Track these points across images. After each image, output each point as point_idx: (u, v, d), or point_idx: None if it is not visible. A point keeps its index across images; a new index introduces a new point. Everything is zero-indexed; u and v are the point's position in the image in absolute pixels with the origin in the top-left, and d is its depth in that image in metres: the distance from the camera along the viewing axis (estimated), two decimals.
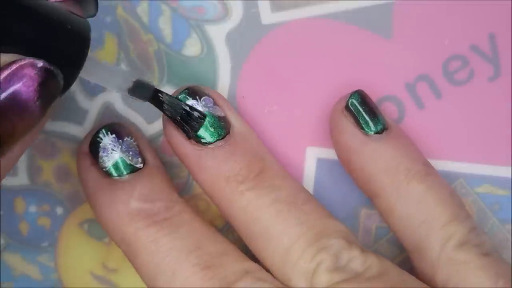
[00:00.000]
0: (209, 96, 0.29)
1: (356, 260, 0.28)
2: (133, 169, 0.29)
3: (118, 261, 0.32)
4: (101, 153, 0.29)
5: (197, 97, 0.29)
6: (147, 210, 0.28)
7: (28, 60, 0.23)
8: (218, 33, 0.31)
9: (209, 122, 0.29)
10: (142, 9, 0.30)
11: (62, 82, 0.24)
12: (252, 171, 0.29)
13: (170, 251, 0.28)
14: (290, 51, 0.31)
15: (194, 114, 0.28)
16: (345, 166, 0.30)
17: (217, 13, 0.31)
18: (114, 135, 0.29)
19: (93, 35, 0.30)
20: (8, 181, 0.31)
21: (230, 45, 0.31)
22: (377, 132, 0.29)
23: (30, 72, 0.23)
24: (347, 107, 0.29)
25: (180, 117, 0.28)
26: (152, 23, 0.30)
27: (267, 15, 0.31)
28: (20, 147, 0.24)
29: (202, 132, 0.29)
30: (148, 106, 0.30)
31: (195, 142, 0.29)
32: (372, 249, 0.32)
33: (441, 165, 0.31)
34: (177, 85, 0.31)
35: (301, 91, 0.31)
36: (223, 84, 0.31)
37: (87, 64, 0.25)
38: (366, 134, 0.29)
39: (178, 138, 0.29)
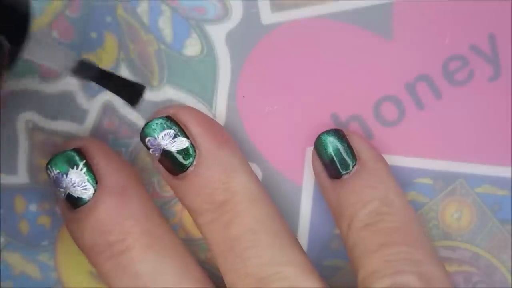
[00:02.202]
0: (171, 126, 0.29)
1: None
2: (82, 202, 0.29)
3: None
4: (52, 186, 0.29)
5: (155, 133, 0.29)
6: (100, 245, 0.29)
7: None
8: (218, 33, 0.31)
9: (168, 158, 0.29)
10: (142, 9, 0.30)
11: (7, 52, 0.24)
12: (211, 204, 0.29)
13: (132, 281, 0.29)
14: (290, 51, 0.31)
15: (137, 87, 0.29)
16: None
17: (217, 13, 0.31)
18: (58, 171, 0.29)
19: (93, 35, 0.30)
20: (8, 180, 0.31)
21: (230, 45, 0.31)
22: (336, 177, 0.30)
23: None
24: (314, 147, 0.30)
25: (123, 93, 0.28)
26: (152, 23, 0.30)
27: (267, 15, 0.31)
28: None
29: (165, 165, 0.29)
30: (149, 105, 0.31)
31: (165, 170, 0.29)
32: None
33: (441, 165, 0.31)
34: (177, 85, 0.31)
35: (301, 91, 0.31)
36: (223, 84, 0.31)
37: (30, 43, 0.24)
38: (328, 177, 0.30)
39: (154, 161, 0.30)
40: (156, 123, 0.29)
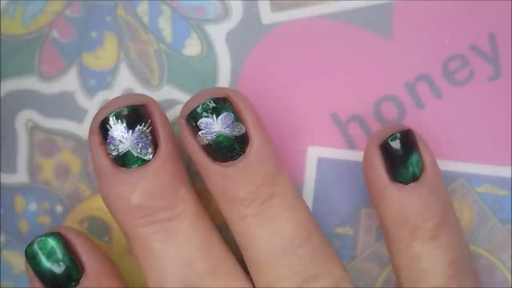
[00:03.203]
0: (229, 110, 0.28)
1: None
2: (140, 162, 0.27)
3: (118, 259, 0.32)
4: (108, 140, 0.27)
5: (214, 114, 0.27)
6: (147, 208, 0.27)
7: None
8: (218, 33, 0.31)
9: (223, 142, 0.27)
10: (142, 9, 0.31)
11: None
12: (259, 196, 0.28)
13: (161, 259, 0.28)
14: (290, 51, 0.31)
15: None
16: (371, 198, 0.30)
17: (217, 13, 0.31)
18: (124, 124, 0.27)
19: (93, 35, 0.31)
20: (8, 179, 0.31)
21: (230, 45, 0.31)
22: (403, 182, 0.28)
23: None
24: (382, 146, 0.29)
25: None
26: (152, 23, 0.31)
27: (267, 15, 0.31)
28: None
29: (216, 149, 0.28)
30: None
31: (208, 155, 0.28)
32: (372, 249, 0.32)
33: (441, 165, 0.31)
34: (177, 85, 0.31)
35: (301, 90, 0.31)
36: (223, 84, 0.31)
37: None
38: (391, 179, 0.28)
39: (193, 147, 0.28)
40: (217, 106, 0.27)
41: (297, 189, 0.31)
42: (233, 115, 0.28)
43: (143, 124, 0.27)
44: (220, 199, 0.28)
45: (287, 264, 0.28)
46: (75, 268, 0.28)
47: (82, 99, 0.31)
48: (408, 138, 0.29)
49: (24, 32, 0.31)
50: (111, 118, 0.27)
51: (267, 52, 0.31)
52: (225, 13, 0.31)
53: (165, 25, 0.31)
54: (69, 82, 0.31)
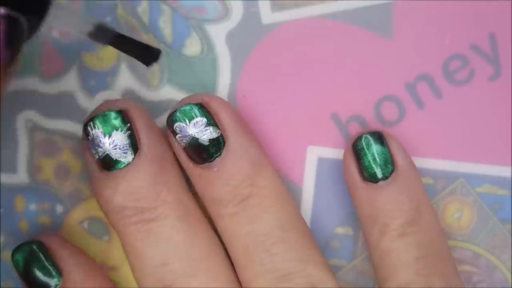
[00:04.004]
0: (203, 115, 0.29)
1: None
2: (119, 165, 0.28)
3: (118, 259, 0.32)
4: (90, 145, 0.29)
5: (187, 119, 0.29)
6: (128, 209, 0.28)
7: None
8: (218, 33, 0.31)
9: (197, 146, 0.29)
10: (142, 9, 0.30)
11: (26, 29, 0.24)
12: (236, 196, 0.29)
13: (140, 258, 0.29)
14: (290, 51, 0.31)
15: (153, 51, 0.29)
16: None
17: (217, 13, 0.31)
18: (100, 130, 0.28)
19: None
20: (8, 179, 0.31)
21: (230, 45, 0.31)
22: (372, 181, 0.29)
23: None
24: (353, 147, 0.30)
25: (139, 56, 0.29)
26: (152, 23, 0.31)
27: (267, 15, 0.31)
28: None
29: (191, 153, 0.29)
30: (149, 105, 0.31)
31: (188, 157, 0.29)
32: None
33: (441, 165, 0.31)
34: (177, 85, 0.31)
35: (301, 90, 0.31)
36: (223, 83, 0.31)
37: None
38: (362, 179, 0.29)
39: (176, 149, 0.29)
40: (189, 110, 0.29)
41: (297, 189, 0.31)
42: (205, 119, 0.29)
43: (120, 128, 0.28)
44: (203, 199, 0.30)
45: (259, 261, 0.29)
46: (53, 274, 0.29)
47: (82, 99, 0.31)
48: (377, 138, 0.30)
49: None
50: (89, 124, 0.29)
51: (267, 52, 0.31)
52: (225, 13, 0.31)
53: (165, 25, 0.31)
54: (69, 82, 0.31)
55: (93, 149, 0.29)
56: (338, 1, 0.31)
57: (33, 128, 0.31)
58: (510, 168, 0.31)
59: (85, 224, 0.32)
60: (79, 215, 0.32)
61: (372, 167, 0.29)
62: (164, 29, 0.31)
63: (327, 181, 0.31)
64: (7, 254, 0.31)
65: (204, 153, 0.29)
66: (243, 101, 0.31)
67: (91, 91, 0.31)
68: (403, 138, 0.31)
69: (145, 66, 0.29)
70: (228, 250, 0.30)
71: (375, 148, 0.29)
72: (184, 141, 0.29)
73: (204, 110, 0.29)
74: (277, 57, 0.31)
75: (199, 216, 0.30)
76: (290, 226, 0.29)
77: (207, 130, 0.29)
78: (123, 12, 0.30)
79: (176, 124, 0.29)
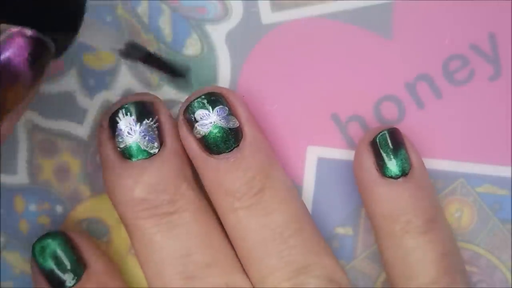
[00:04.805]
0: (224, 105, 0.29)
1: None
2: (146, 155, 0.28)
3: (117, 260, 0.32)
4: (117, 133, 0.29)
5: (210, 106, 0.29)
6: (149, 201, 0.28)
7: (17, 29, 0.23)
8: (218, 33, 0.31)
9: (218, 134, 0.29)
10: (142, 9, 0.30)
11: (53, 50, 0.24)
12: (251, 188, 0.29)
13: (160, 250, 0.29)
14: (290, 51, 0.31)
15: (181, 70, 0.29)
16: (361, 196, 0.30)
17: (217, 13, 0.31)
18: (133, 117, 0.29)
19: None
20: (7, 180, 0.31)
21: (230, 45, 0.31)
22: (393, 177, 0.29)
23: (20, 41, 0.23)
24: (372, 143, 0.29)
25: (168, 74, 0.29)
26: (152, 23, 0.31)
27: (267, 15, 0.31)
28: (11, 118, 0.25)
29: (211, 141, 0.29)
30: None
31: (203, 149, 0.29)
32: (372, 249, 0.32)
33: (441, 165, 0.31)
34: (177, 84, 0.31)
35: (301, 90, 0.31)
36: (223, 83, 0.31)
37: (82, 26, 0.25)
38: (381, 175, 0.29)
39: (189, 141, 0.29)
40: (213, 98, 0.29)
41: (297, 189, 0.31)
42: (227, 109, 0.29)
43: (151, 119, 0.29)
44: (213, 193, 0.29)
45: (277, 254, 0.29)
46: (77, 265, 0.29)
47: (82, 99, 0.31)
48: (396, 135, 0.29)
49: None
50: (120, 112, 0.29)
51: (267, 52, 0.31)
52: (225, 13, 0.31)
53: (165, 25, 0.31)
54: (69, 82, 0.31)
55: (119, 138, 0.29)
56: (338, 1, 0.31)
57: (33, 128, 0.31)
58: (510, 168, 0.31)
59: (85, 225, 0.32)
60: (78, 216, 0.32)
61: (394, 164, 0.29)
62: (164, 29, 0.31)
63: (327, 181, 0.31)
64: (7, 254, 0.31)
65: (223, 143, 0.29)
66: None
67: (91, 91, 0.31)
68: None
69: (145, 66, 0.29)
70: (237, 246, 0.29)
71: (395, 144, 0.29)
72: (203, 130, 0.29)
73: (225, 100, 0.29)
74: (277, 57, 0.31)
75: (211, 211, 0.30)
76: (303, 218, 0.29)
77: (229, 119, 0.29)
78: (123, 12, 0.30)
79: (198, 112, 0.29)
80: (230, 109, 0.29)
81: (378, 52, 0.31)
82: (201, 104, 0.29)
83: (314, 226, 0.30)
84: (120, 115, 0.29)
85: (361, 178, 0.30)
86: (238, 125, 0.29)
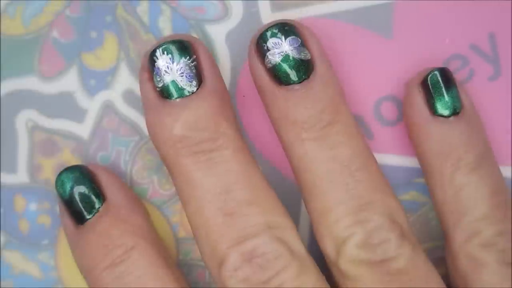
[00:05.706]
0: (297, 36, 0.28)
1: (389, 243, 0.28)
2: (184, 94, 0.28)
3: None
4: (155, 72, 0.28)
5: (283, 36, 0.28)
6: (189, 139, 0.28)
7: None
8: (218, 33, 0.31)
9: (289, 63, 0.28)
10: (142, 9, 0.31)
11: None
12: (320, 121, 0.28)
13: (200, 187, 0.28)
14: None
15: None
16: (409, 137, 0.30)
17: (217, 13, 0.31)
18: (170, 56, 0.28)
19: (93, 35, 0.31)
20: (8, 179, 0.31)
21: (230, 45, 0.31)
22: (444, 116, 0.29)
23: None
24: (423, 83, 0.30)
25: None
26: (152, 23, 0.31)
27: (267, 15, 0.31)
28: None
29: (282, 71, 0.28)
30: None
31: (272, 79, 0.29)
32: None
33: None
34: None
35: None
36: None
37: None
38: (432, 114, 0.29)
39: (259, 70, 0.29)
40: (286, 28, 0.28)
41: (297, 189, 0.31)
42: (300, 40, 0.28)
43: (188, 57, 0.28)
44: (280, 124, 0.29)
45: (344, 187, 0.28)
46: (97, 196, 0.29)
47: (82, 99, 0.31)
48: (446, 74, 0.30)
49: (24, 32, 0.31)
50: (158, 50, 0.28)
51: None
52: (225, 13, 0.31)
53: (165, 25, 0.31)
54: (69, 82, 0.31)
55: (157, 76, 0.28)
56: (339, 1, 0.31)
57: (33, 128, 0.31)
58: (510, 168, 0.31)
59: None
60: None
61: (447, 102, 0.29)
62: (164, 29, 0.31)
63: None
64: (7, 254, 0.31)
65: (294, 73, 0.28)
66: (243, 101, 0.31)
67: (91, 91, 0.31)
68: (403, 138, 0.31)
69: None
70: (301, 179, 0.29)
71: (447, 83, 0.29)
72: (274, 59, 0.28)
73: (298, 31, 0.29)
74: None
75: (251, 154, 0.29)
76: (370, 156, 0.29)
77: (302, 50, 0.29)
78: (123, 12, 0.30)
79: (270, 40, 0.28)
80: (302, 41, 0.29)
81: (378, 52, 0.31)
82: (274, 33, 0.28)
83: (377, 165, 0.29)
84: (158, 53, 0.28)
85: (411, 117, 0.30)
86: (309, 58, 0.29)
